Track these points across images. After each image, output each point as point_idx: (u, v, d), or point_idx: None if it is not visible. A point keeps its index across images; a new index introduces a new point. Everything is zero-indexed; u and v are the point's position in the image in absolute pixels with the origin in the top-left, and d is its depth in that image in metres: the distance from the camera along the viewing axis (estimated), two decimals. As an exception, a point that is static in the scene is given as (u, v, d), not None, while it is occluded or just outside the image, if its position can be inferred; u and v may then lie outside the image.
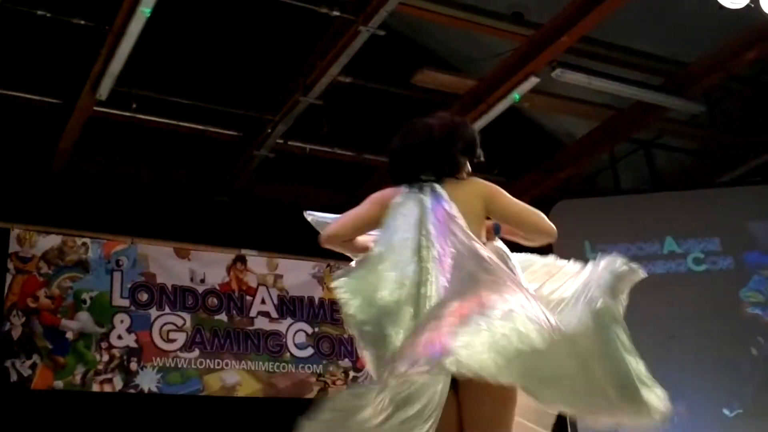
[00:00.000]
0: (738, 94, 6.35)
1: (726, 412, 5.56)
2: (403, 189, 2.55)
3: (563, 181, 6.96)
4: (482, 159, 2.70)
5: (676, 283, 5.98)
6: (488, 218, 2.59)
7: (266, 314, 6.25)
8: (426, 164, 2.55)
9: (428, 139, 2.57)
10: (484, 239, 2.52)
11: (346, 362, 6.37)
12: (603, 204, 6.54)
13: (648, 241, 6.16)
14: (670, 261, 6.08)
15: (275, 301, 6.31)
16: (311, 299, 6.45)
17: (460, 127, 2.65)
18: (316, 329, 6.37)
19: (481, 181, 2.59)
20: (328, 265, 6.55)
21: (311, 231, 6.63)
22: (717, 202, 6.21)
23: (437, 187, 2.49)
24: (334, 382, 6.26)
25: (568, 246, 6.18)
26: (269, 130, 5.71)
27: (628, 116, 6.14)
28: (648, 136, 7.00)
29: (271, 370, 6.08)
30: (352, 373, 6.36)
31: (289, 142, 6.00)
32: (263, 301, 6.27)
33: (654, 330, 5.81)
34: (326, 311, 6.47)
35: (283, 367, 6.13)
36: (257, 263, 6.36)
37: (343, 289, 2.42)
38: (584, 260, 6.69)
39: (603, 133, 6.37)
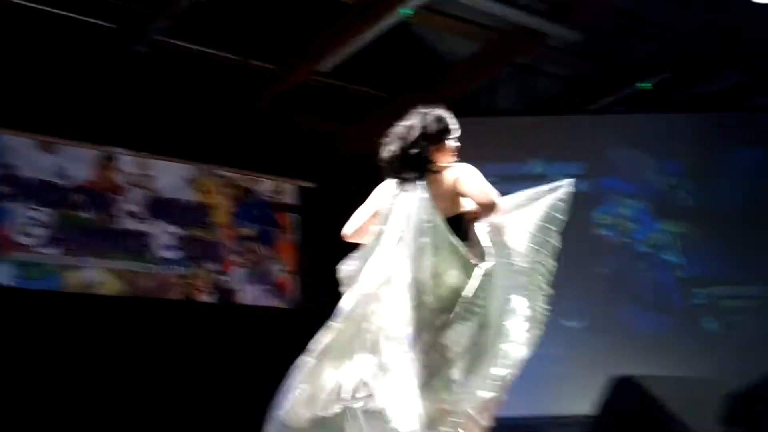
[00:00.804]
0: (613, 26, 6.57)
1: (569, 323, 5.96)
2: (393, 186, 3.13)
3: (445, 101, 7.04)
4: (456, 138, 3.22)
5: (539, 203, 6.25)
6: None
7: (134, 214, 6.10)
8: (406, 167, 3.08)
9: (402, 148, 3.09)
10: (461, 210, 3.04)
11: (213, 266, 6.35)
12: (478, 124, 6.68)
13: (517, 162, 6.37)
14: (536, 182, 6.31)
15: (144, 202, 6.17)
16: (182, 202, 6.34)
17: (427, 125, 3.15)
18: (186, 232, 6.28)
19: (456, 166, 3.10)
20: (202, 169, 6.44)
21: (186, 132, 6.52)
22: (584, 129, 6.49)
23: (417, 184, 3.02)
24: (199, 284, 6.25)
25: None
26: (147, 25, 5.49)
27: (510, 40, 6.26)
28: (527, 61, 7.20)
29: (135, 270, 5.99)
30: (217, 277, 6.36)
31: (172, 41, 5.79)
32: (132, 201, 6.12)
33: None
34: (197, 215, 6.39)
35: (148, 268, 6.05)
36: (128, 162, 6.17)
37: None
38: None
39: (486, 56, 6.49)
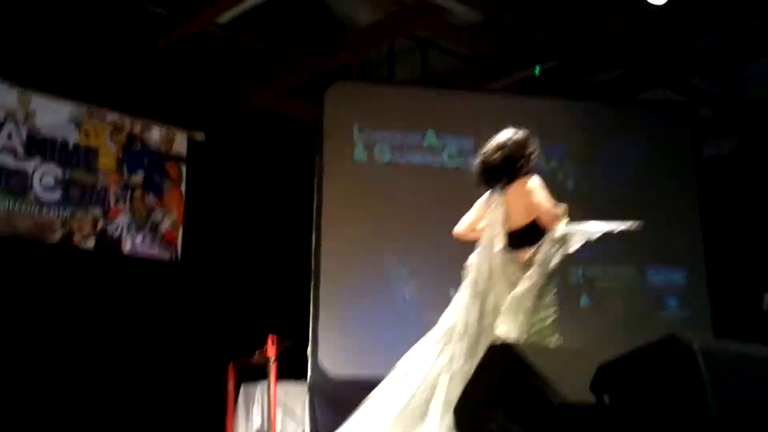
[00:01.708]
0: (513, 9, 6.75)
1: (452, 293, 6.16)
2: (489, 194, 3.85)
3: (341, 66, 7.08)
4: (535, 156, 3.83)
5: (430, 174, 6.40)
6: None
7: (12, 151, 5.79)
8: (496, 177, 3.80)
9: (493, 158, 3.81)
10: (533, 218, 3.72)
11: (95, 211, 6.12)
12: (376, 91, 6.75)
13: (411, 132, 6.47)
14: (427, 153, 6.47)
15: (24, 139, 5.85)
16: (65, 142, 6.06)
17: (518, 136, 3.86)
18: (67, 174, 6.02)
19: (528, 179, 3.75)
20: (88, 109, 6.18)
21: (72, 68, 6.19)
22: (478, 106, 6.65)
23: (500, 194, 3.79)
24: (80, 229, 6.02)
25: (338, 128, 6.40)
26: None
27: (411, 11, 6.31)
28: (426, 35, 7.29)
29: (11, 209, 5.69)
30: (101, 223, 6.14)
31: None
32: (9, 137, 5.78)
33: (403, 214, 6.25)
34: (80, 157, 6.12)
35: (26, 209, 5.76)
36: (6, 94, 5.81)
37: None
38: (350, 142, 6.92)
39: (386, 24, 6.51)
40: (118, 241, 6.23)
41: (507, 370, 2.86)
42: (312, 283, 5.97)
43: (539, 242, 3.69)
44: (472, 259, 3.85)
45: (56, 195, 5.93)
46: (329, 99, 6.38)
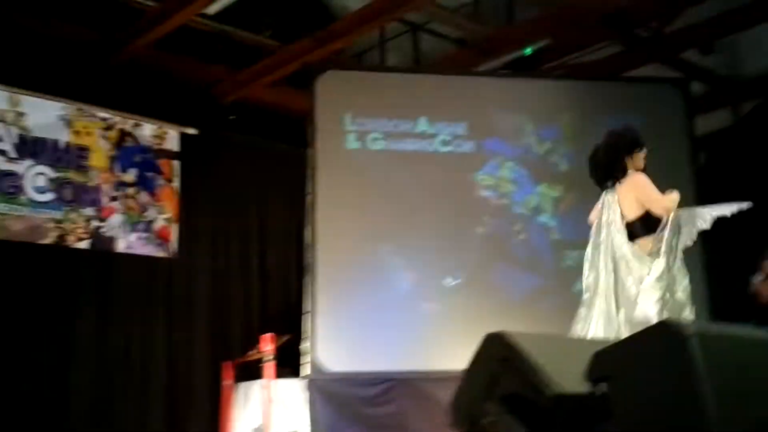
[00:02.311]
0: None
1: (448, 280, 6.15)
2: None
3: (334, 53, 7.02)
4: (644, 147, 4.09)
5: (423, 161, 6.36)
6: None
7: (2, 153, 5.76)
8: (604, 176, 4.15)
9: (598, 160, 4.17)
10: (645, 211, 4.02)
11: (88, 211, 6.10)
12: (367, 79, 6.70)
13: (404, 119, 6.42)
14: (420, 140, 6.43)
15: (15, 140, 5.82)
16: (56, 142, 6.03)
17: (620, 137, 4.11)
18: (59, 174, 5.99)
19: (634, 175, 4.05)
20: (78, 108, 6.14)
21: (61, 67, 6.15)
22: (470, 90, 6.60)
23: (610, 192, 4.13)
24: (73, 231, 6.00)
25: (330, 116, 6.36)
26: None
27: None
28: (417, 20, 7.23)
29: (4, 212, 5.67)
30: (94, 223, 6.12)
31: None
32: (0, 139, 5.76)
33: (397, 203, 6.22)
34: (72, 156, 6.09)
35: (19, 210, 5.74)
36: (-3, 97, 5.78)
37: None
38: (343, 131, 6.88)
39: (376, 9, 6.45)
40: (113, 241, 6.21)
41: (501, 361, 2.84)
42: (308, 277, 5.94)
43: (658, 231, 3.97)
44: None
45: (49, 196, 5.91)
46: (320, 88, 6.34)
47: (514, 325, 5.61)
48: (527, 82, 6.80)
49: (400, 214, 6.16)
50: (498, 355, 2.86)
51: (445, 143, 6.41)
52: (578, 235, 6.45)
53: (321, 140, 6.22)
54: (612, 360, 2.64)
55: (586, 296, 4.12)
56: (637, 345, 2.59)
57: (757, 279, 6.34)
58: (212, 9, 6.13)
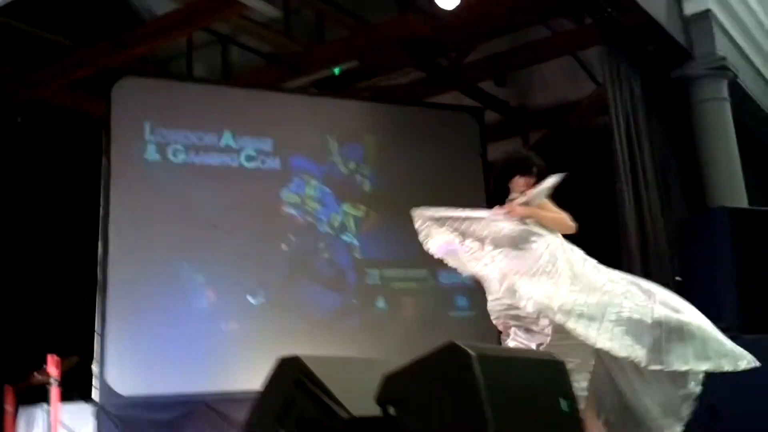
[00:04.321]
0: (312, 6, 6.74)
1: (250, 299, 6.05)
2: None
3: (136, 59, 6.73)
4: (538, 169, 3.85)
5: (227, 176, 6.21)
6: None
7: None
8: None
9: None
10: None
11: None
12: (170, 88, 6.44)
13: (208, 132, 6.23)
14: (224, 154, 6.27)
15: None
16: None
17: (507, 160, 4.03)
18: None
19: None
20: None
21: None
22: (277, 106, 6.57)
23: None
24: None
25: (128, 126, 6.04)
26: None
27: (209, 4, 6.13)
28: (226, 32, 7.11)
29: None
30: None
31: None
32: None
33: (198, 218, 6.03)
34: None
35: None
36: None
37: None
38: (142, 141, 6.57)
39: (184, 16, 6.28)
40: None
41: (295, 384, 2.83)
42: (98, 294, 5.59)
43: None
44: None
45: None
46: (117, 94, 6.01)
47: (318, 342, 5.69)
48: (334, 102, 6.88)
49: (201, 230, 5.97)
50: (292, 378, 2.84)
51: (250, 158, 6.31)
52: (380, 254, 6.65)
53: (117, 150, 5.89)
54: (401, 381, 2.70)
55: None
56: (425, 366, 2.67)
57: None
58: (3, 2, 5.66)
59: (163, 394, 5.56)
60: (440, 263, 6.60)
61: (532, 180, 3.82)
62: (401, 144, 6.85)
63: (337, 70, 7.12)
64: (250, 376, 5.15)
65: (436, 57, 7.24)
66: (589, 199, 6.82)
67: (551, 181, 3.78)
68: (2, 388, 5.20)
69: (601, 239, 6.37)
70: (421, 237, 4.06)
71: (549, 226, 3.73)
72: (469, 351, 2.56)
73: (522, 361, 2.95)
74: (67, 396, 5.02)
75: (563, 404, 2.76)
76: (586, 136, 7.24)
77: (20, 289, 6.28)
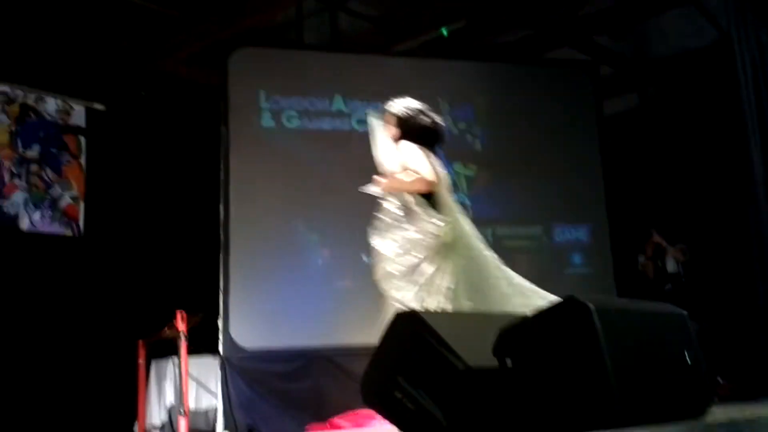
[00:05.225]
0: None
1: (364, 258, 6.15)
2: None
3: (248, 29, 6.90)
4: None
5: (339, 140, 6.33)
6: None
7: None
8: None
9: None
10: None
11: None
12: (282, 56, 6.59)
13: (320, 97, 6.36)
14: (336, 119, 6.40)
15: None
16: (-48, 116, 5.72)
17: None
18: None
19: None
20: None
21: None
22: (386, 69, 6.60)
23: None
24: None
25: (244, 95, 6.24)
26: None
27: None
28: (334, -2, 7.18)
29: None
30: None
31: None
32: None
33: (315, 182, 6.18)
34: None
35: None
36: None
37: None
38: (257, 109, 6.77)
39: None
40: (15, 219, 5.95)
41: (411, 337, 2.87)
42: (221, 254, 5.85)
43: None
44: None
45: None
46: (233, 65, 6.21)
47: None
48: (443, 63, 6.83)
49: (315, 192, 6.12)
50: (409, 331, 2.89)
51: (361, 122, 6.39)
52: (491, 212, 6.61)
53: (234, 118, 6.10)
54: (518, 335, 2.70)
55: None
56: (542, 319, 2.66)
57: (642, 259, 6.77)
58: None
59: (283, 347, 5.78)
60: (555, 220, 6.57)
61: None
62: (512, 103, 6.75)
63: (445, 31, 7.05)
64: (367, 332, 5.29)
65: (547, 13, 7.05)
66: (714, 154, 6.54)
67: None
68: (135, 342, 5.53)
69: (728, 193, 6.14)
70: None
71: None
72: (588, 304, 2.53)
73: (643, 313, 2.88)
74: (194, 349, 5.30)
75: (688, 357, 2.70)
76: (709, 87, 6.89)
77: (150, 251, 6.62)
